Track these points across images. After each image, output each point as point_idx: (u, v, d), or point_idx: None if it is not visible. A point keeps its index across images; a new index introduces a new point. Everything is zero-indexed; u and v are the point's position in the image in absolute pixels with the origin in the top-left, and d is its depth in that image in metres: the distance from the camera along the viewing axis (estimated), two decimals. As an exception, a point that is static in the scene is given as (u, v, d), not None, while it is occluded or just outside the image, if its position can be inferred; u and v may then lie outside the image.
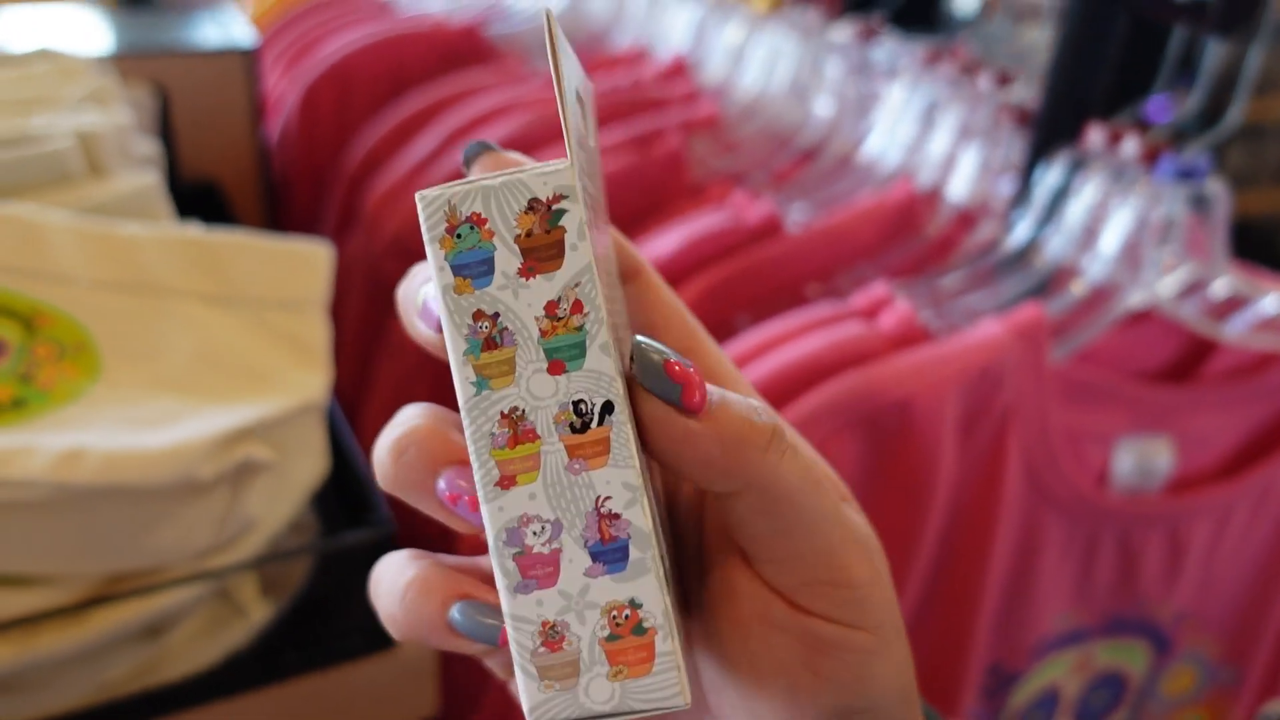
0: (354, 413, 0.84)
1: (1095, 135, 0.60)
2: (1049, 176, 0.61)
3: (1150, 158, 0.59)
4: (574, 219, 0.18)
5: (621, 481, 0.18)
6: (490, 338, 0.18)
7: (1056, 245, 0.60)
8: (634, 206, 0.75)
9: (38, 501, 0.41)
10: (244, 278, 0.51)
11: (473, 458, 0.19)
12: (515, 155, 0.22)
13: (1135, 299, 0.56)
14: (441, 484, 0.20)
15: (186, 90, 0.85)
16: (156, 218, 0.56)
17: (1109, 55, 0.59)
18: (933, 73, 0.73)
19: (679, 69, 0.91)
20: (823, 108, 0.78)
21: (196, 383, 0.48)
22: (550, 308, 0.18)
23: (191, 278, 0.50)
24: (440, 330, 0.19)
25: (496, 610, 0.20)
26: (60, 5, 0.98)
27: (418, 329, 0.22)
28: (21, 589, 0.43)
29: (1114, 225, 0.57)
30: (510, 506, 0.18)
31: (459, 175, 0.20)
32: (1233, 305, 0.58)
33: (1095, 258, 0.58)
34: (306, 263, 0.52)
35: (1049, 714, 0.67)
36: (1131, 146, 0.59)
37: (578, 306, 0.18)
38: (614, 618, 0.19)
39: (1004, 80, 0.72)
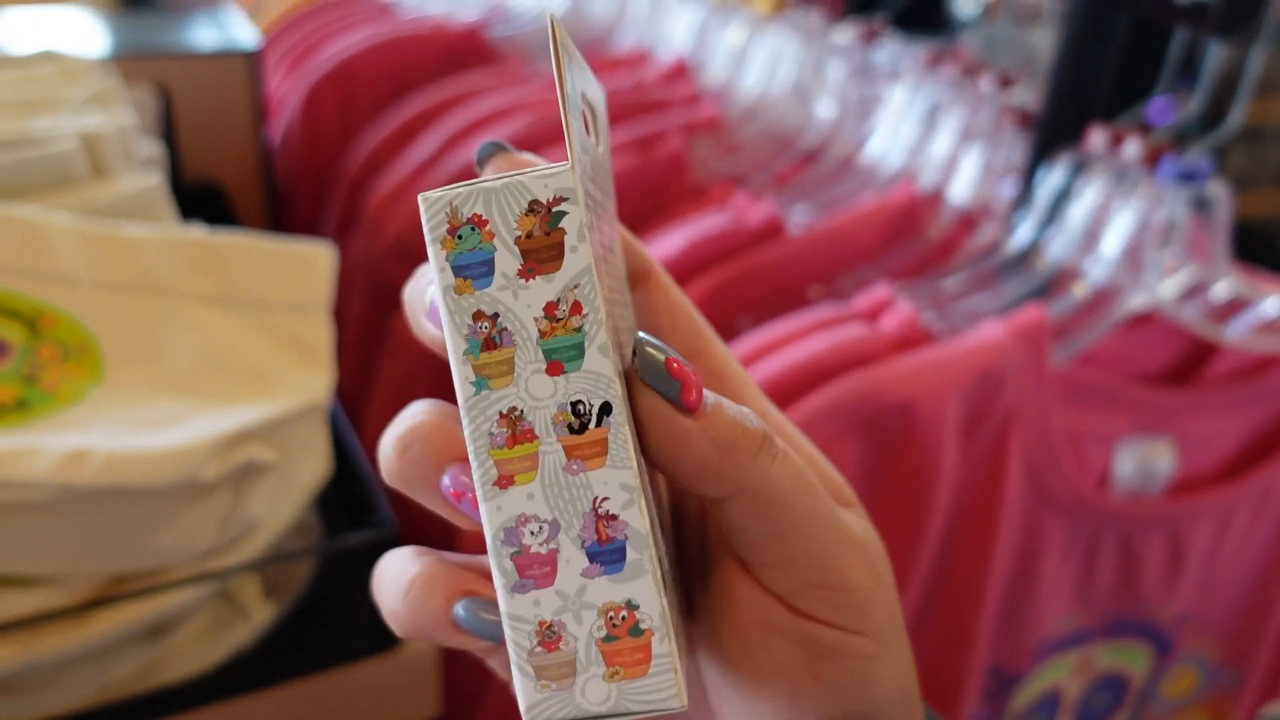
0: (356, 414, 0.84)
1: (1097, 137, 0.60)
2: (1051, 178, 0.61)
3: (1152, 160, 0.59)
4: (574, 221, 0.18)
5: (619, 482, 0.18)
6: (490, 338, 0.18)
7: (1058, 247, 0.60)
8: (636, 208, 0.75)
9: (41, 502, 0.41)
10: (246, 279, 0.51)
11: (471, 457, 0.19)
12: (528, 156, 0.22)
13: (1137, 301, 0.56)
14: (446, 480, 0.20)
15: (189, 92, 0.85)
16: (159, 219, 0.56)
17: (1111, 57, 0.59)
18: (935, 75, 0.73)
19: (681, 71, 0.91)
20: (825, 110, 0.78)
21: (199, 384, 0.48)
22: (549, 309, 0.18)
23: (194, 279, 0.50)
24: None
25: None
26: (63, 7, 0.98)
27: (425, 329, 0.22)
28: (24, 590, 0.43)
29: (1115, 227, 0.57)
30: (508, 506, 0.18)
31: (461, 177, 0.21)
32: (1234, 308, 0.58)
33: (1097, 260, 0.58)
34: (309, 264, 0.52)
35: (1050, 716, 0.67)
36: (1133, 149, 0.59)
37: (577, 308, 0.18)
38: (611, 619, 0.19)
39: (1006, 82, 0.72)
